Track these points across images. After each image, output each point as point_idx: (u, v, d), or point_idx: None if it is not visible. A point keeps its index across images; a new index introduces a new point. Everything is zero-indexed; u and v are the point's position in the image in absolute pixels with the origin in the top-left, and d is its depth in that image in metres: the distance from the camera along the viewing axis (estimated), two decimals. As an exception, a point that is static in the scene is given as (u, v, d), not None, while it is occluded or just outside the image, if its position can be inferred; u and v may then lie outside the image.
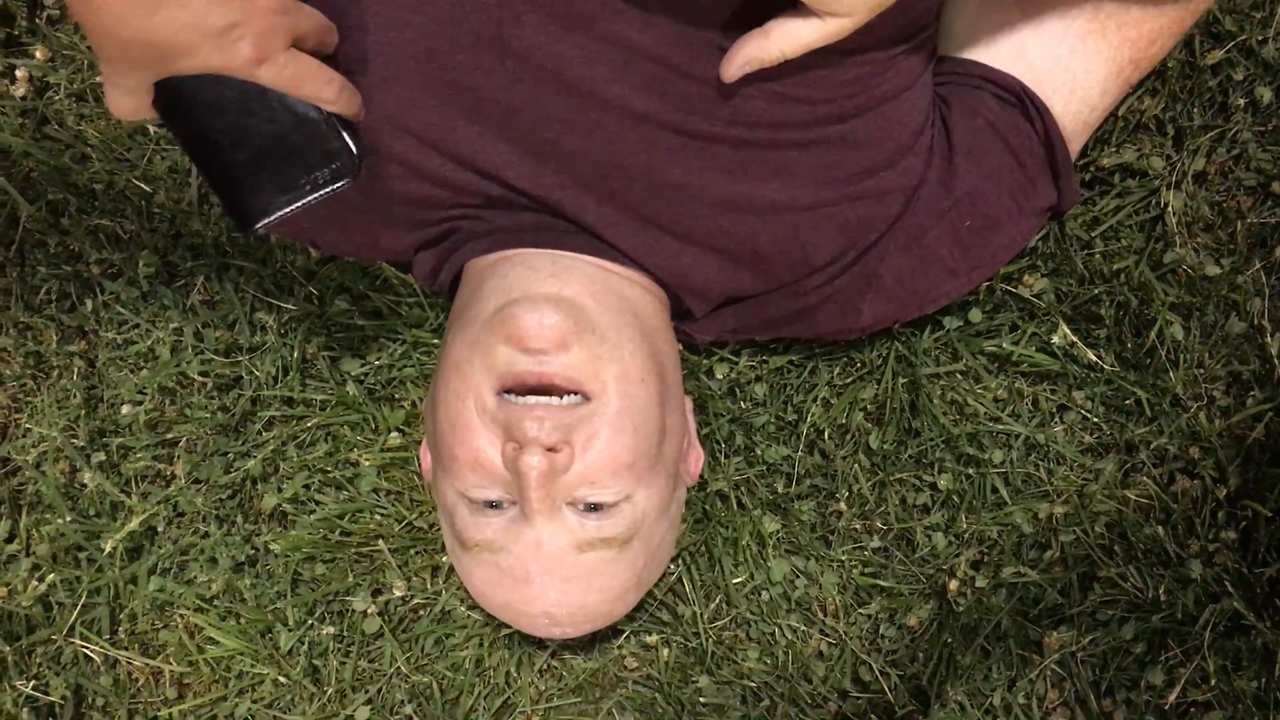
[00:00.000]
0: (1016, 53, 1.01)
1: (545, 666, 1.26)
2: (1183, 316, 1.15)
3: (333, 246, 1.10)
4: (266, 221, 0.82)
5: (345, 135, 0.82)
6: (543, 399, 0.91)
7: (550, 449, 0.89)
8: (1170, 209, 1.15)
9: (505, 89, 0.90)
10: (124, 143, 1.27)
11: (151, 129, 1.26)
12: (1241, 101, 1.14)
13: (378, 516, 1.25)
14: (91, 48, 0.74)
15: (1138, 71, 1.03)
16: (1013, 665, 1.18)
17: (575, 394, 0.92)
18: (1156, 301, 1.14)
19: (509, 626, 1.22)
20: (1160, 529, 1.16)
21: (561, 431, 0.90)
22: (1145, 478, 1.18)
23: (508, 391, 0.92)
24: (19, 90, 1.26)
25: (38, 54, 1.25)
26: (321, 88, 0.79)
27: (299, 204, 0.82)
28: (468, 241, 1.02)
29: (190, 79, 0.75)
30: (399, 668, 1.25)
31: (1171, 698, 1.14)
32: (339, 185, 0.83)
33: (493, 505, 0.95)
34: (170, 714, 1.28)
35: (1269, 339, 1.14)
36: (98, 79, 1.25)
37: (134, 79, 0.75)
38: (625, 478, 0.93)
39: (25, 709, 1.26)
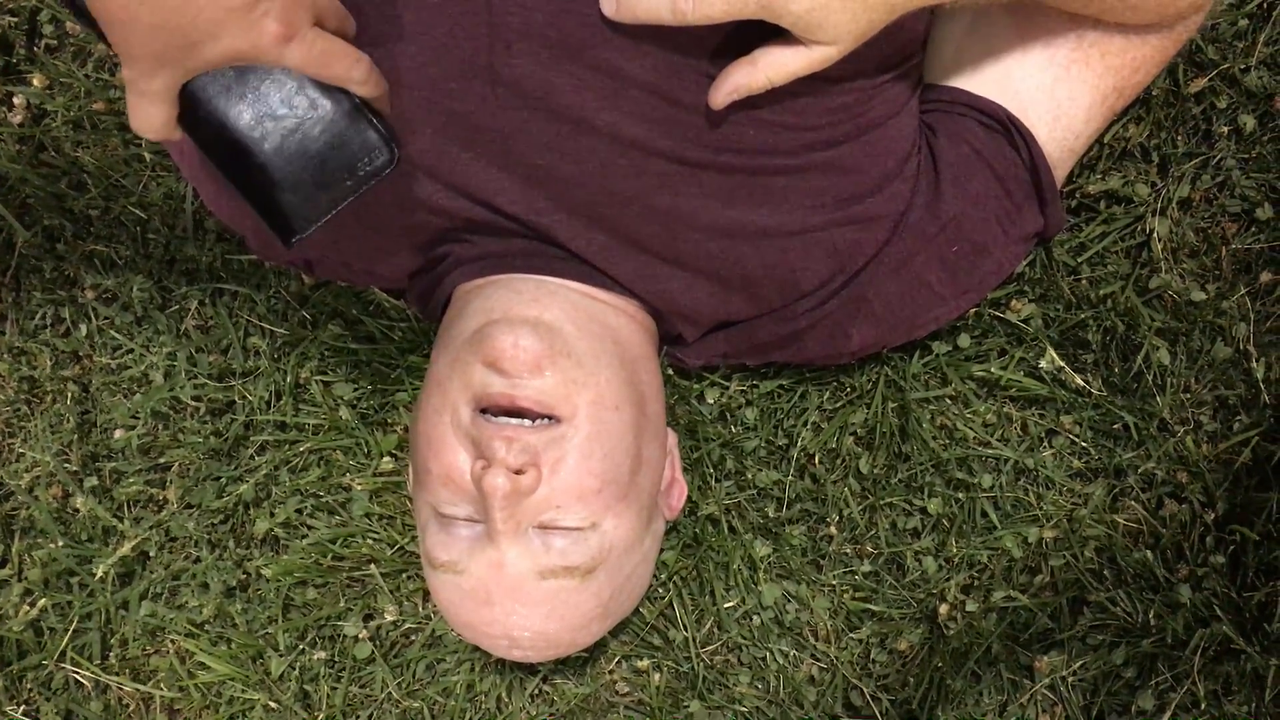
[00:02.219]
0: (1002, 81, 1.02)
1: (537, 692, 1.26)
2: (1169, 342, 1.16)
3: (328, 271, 1.11)
4: (314, 226, 0.79)
5: (377, 121, 0.79)
6: (515, 420, 0.92)
7: (517, 471, 0.90)
8: (1156, 235, 1.16)
9: (497, 116, 0.91)
10: (120, 169, 1.28)
11: (148, 155, 1.27)
12: (1225, 129, 1.15)
13: (370, 541, 1.25)
14: (114, 48, 0.72)
15: (1122, 99, 1.04)
16: (1003, 689, 1.18)
17: (548, 417, 0.93)
18: (1143, 327, 1.15)
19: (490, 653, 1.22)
20: (1149, 553, 1.16)
21: (529, 454, 0.90)
22: (1134, 502, 1.18)
23: (483, 411, 0.92)
24: (16, 117, 1.27)
25: (35, 81, 1.26)
26: (352, 66, 0.76)
27: (346, 201, 0.79)
28: (458, 267, 1.03)
29: (213, 82, 0.74)
30: (390, 693, 1.25)
31: (1162, 722, 1.14)
32: (382, 175, 0.80)
33: (460, 524, 0.95)
34: (160, 740, 1.28)
35: (1254, 364, 1.15)
36: (95, 106, 1.26)
37: (160, 80, 0.73)
38: (593, 504, 0.94)
39: (15, 735, 1.26)
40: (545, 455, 0.92)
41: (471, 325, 0.96)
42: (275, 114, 0.77)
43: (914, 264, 1.02)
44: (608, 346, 0.98)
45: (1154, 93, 1.15)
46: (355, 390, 1.25)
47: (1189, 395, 1.17)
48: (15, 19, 1.27)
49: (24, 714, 1.27)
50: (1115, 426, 1.19)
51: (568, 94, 0.89)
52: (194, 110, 0.76)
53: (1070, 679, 1.17)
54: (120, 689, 1.29)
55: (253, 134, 0.77)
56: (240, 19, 0.70)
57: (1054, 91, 1.02)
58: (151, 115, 0.75)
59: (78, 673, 1.28)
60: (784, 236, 0.98)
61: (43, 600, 1.28)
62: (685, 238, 0.97)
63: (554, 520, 0.93)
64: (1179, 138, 1.16)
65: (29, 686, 1.29)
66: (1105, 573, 1.18)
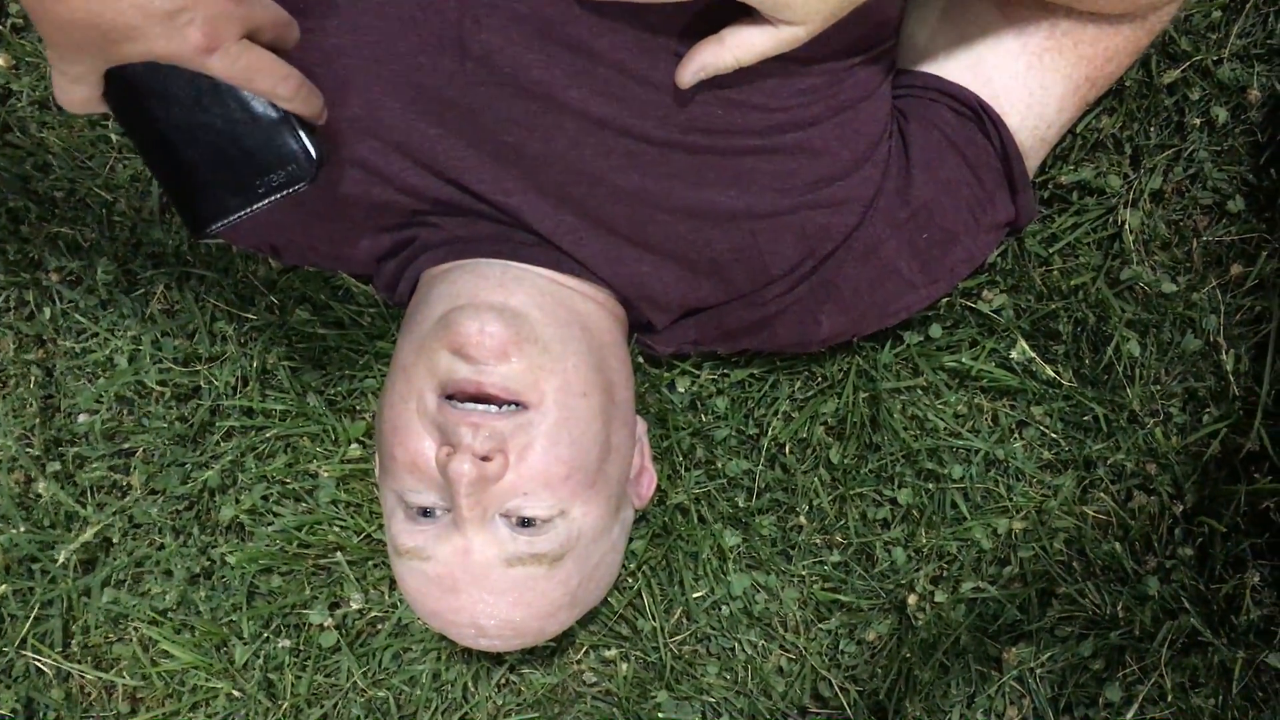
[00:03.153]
0: (974, 68, 1.02)
1: (503, 681, 1.25)
2: (1140, 333, 1.16)
3: (294, 256, 1.10)
4: (218, 226, 0.78)
5: (303, 136, 0.78)
6: (481, 406, 0.91)
7: (483, 457, 0.89)
8: (1127, 227, 1.16)
9: (466, 92, 0.90)
10: (86, 150, 1.26)
11: (114, 137, 1.26)
12: (1198, 121, 1.15)
13: (336, 528, 1.24)
14: (37, 29, 0.71)
15: (1094, 89, 1.04)
16: (971, 681, 1.18)
17: (514, 404, 0.92)
18: (1114, 318, 1.15)
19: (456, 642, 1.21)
20: (1118, 545, 1.16)
21: (495, 440, 0.89)
22: (1103, 494, 1.18)
23: (449, 397, 0.91)
24: (-19, 97, 1.25)
25: (1, 61, 1.25)
26: (277, 83, 0.75)
27: (252, 208, 0.78)
28: (425, 251, 1.02)
29: (142, 71, 0.72)
30: (355, 682, 1.24)
31: (1129, 715, 1.14)
32: (294, 189, 0.79)
33: (426, 513, 0.94)
34: (121, 728, 1.26)
35: (1224, 356, 1.15)
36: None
37: (80, 65, 0.72)
38: (560, 491, 0.93)
39: (-27, 722, 1.24)
40: (512, 441, 0.91)
41: (437, 311, 0.95)
42: (198, 112, 0.75)
43: (884, 250, 1.02)
44: (575, 333, 0.97)
45: (1127, 84, 1.15)
46: (323, 376, 1.24)
47: (1159, 387, 1.17)
48: (-19, -3, 1.26)
49: (-17, 702, 1.25)
50: (1085, 418, 1.18)
51: (536, 70, 0.89)
52: (120, 90, 0.74)
53: (1038, 670, 1.17)
54: (82, 677, 1.27)
55: (175, 126, 0.76)
56: (162, 25, 0.69)
57: (1026, 79, 1.01)
58: (72, 92, 0.74)
59: (39, 660, 1.26)
60: (752, 219, 0.97)
61: (3, 586, 1.26)
62: (653, 219, 0.96)
63: (520, 507, 0.92)
64: (1152, 129, 1.16)
65: (-12, 674, 1.27)
66: (1074, 564, 1.18)
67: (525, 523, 0.93)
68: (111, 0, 0.67)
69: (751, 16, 0.83)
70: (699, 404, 1.22)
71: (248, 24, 0.72)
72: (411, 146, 0.94)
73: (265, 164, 0.78)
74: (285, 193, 0.79)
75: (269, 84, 0.75)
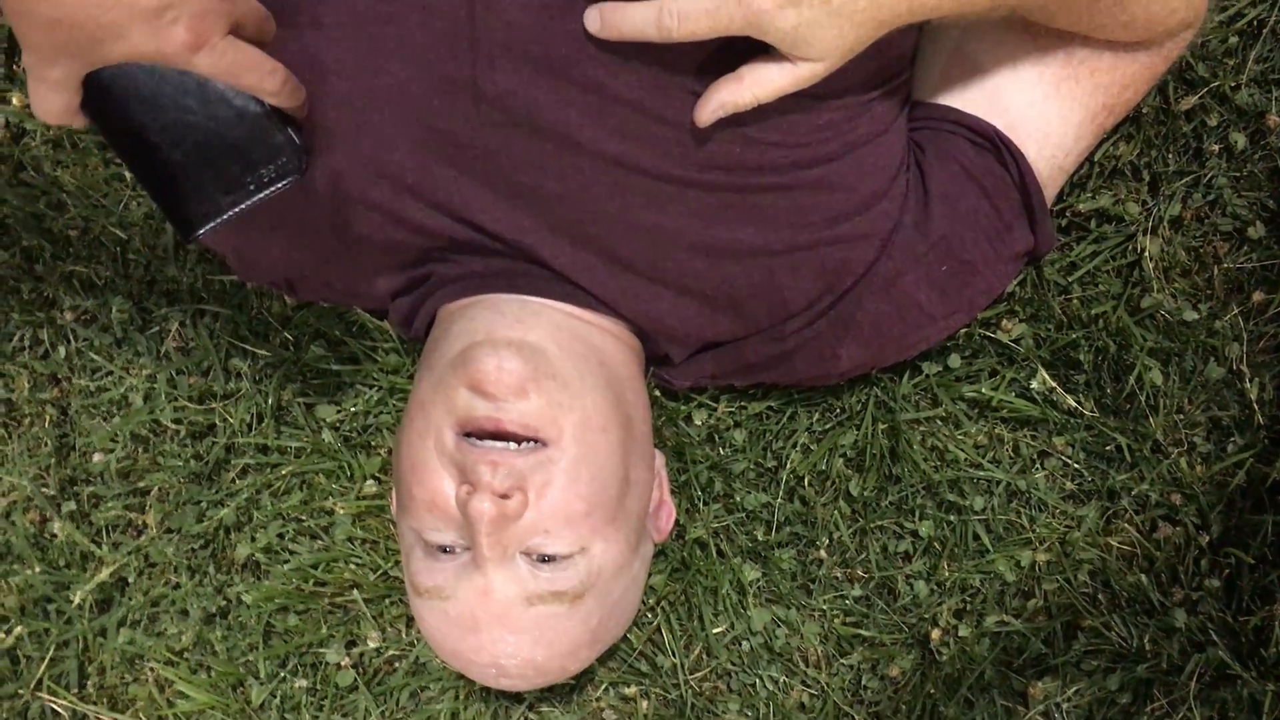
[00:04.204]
0: (991, 98, 1.01)
1: (522, 719, 1.23)
2: (1161, 362, 1.15)
3: (309, 292, 1.10)
4: (211, 225, 0.77)
5: (289, 130, 0.77)
6: (499, 444, 0.90)
7: (502, 495, 0.88)
8: (1147, 254, 1.15)
9: (480, 133, 0.90)
10: (100, 189, 1.26)
11: (129, 175, 1.26)
12: (1216, 147, 1.14)
13: (352, 566, 1.23)
14: (15, 33, 0.69)
15: (1111, 117, 1.03)
16: (997, 716, 1.16)
17: (533, 440, 0.91)
18: (1135, 347, 1.14)
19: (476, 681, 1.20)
20: (1144, 577, 1.15)
21: (515, 478, 0.89)
22: (1127, 525, 1.17)
23: (468, 435, 0.91)
24: (-6, 137, 1.25)
25: (15, 100, 1.25)
26: (264, 78, 0.74)
27: (244, 204, 0.77)
28: (441, 287, 1.01)
29: (121, 74, 0.70)
30: (373, 721, 1.23)
31: (1158, 749, 1.12)
32: (285, 183, 0.78)
33: (445, 550, 0.93)
34: (138, 770, 1.26)
35: (1248, 384, 1.13)
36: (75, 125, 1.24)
37: (60, 69, 0.70)
38: (580, 528, 0.92)
39: (-11, 765, 1.23)
40: (532, 479, 0.90)
41: (455, 347, 0.94)
42: (183, 111, 0.74)
43: (903, 283, 1.01)
44: (593, 367, 0.96)
45: (1144, 110, 1.14)
46: (338, 412, 1.24)
47: (1182, 416, 1.16)
48: (-6, 38, 1.26)
49: (-1, 744, 1.25)
50: (1108, 448, 1.17)
51: (551, 111, 0.88)
52: (99, 98, 0.72)
53: (1065, 705, 1.15)
54: (98, 718, 1.26)
55: (158, 129, 0.74)
56: (147, 24, 0.67)
57: (1043, 109, 1.01)
58: (50, 101, 0.72)
59: (55, 702, 1.25)
60: (771, 255, 0.96)
61: (19, 628, 1.25)
62: (670, 256, 0.96)
63: (541, 545, 0.91)
64: (1170, 156, 1.15)
65: (4, 716, 1.26)
66: (1099, 597, 1.16)
67: (546, 560, 0.92)
68: (95, 0, 0.65)
69: (769, 54, 0.83)
70: (716, 437, 1.21)
71: (231, 20, 0.71)
72: (425, 188, 0.93)
73: (255, 159, 0.77)
74: (276, 187, 0.78)
75: (255, 79, 0.74)
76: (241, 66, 0.72)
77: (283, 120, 0.77)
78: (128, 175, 1.26)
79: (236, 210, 0.77)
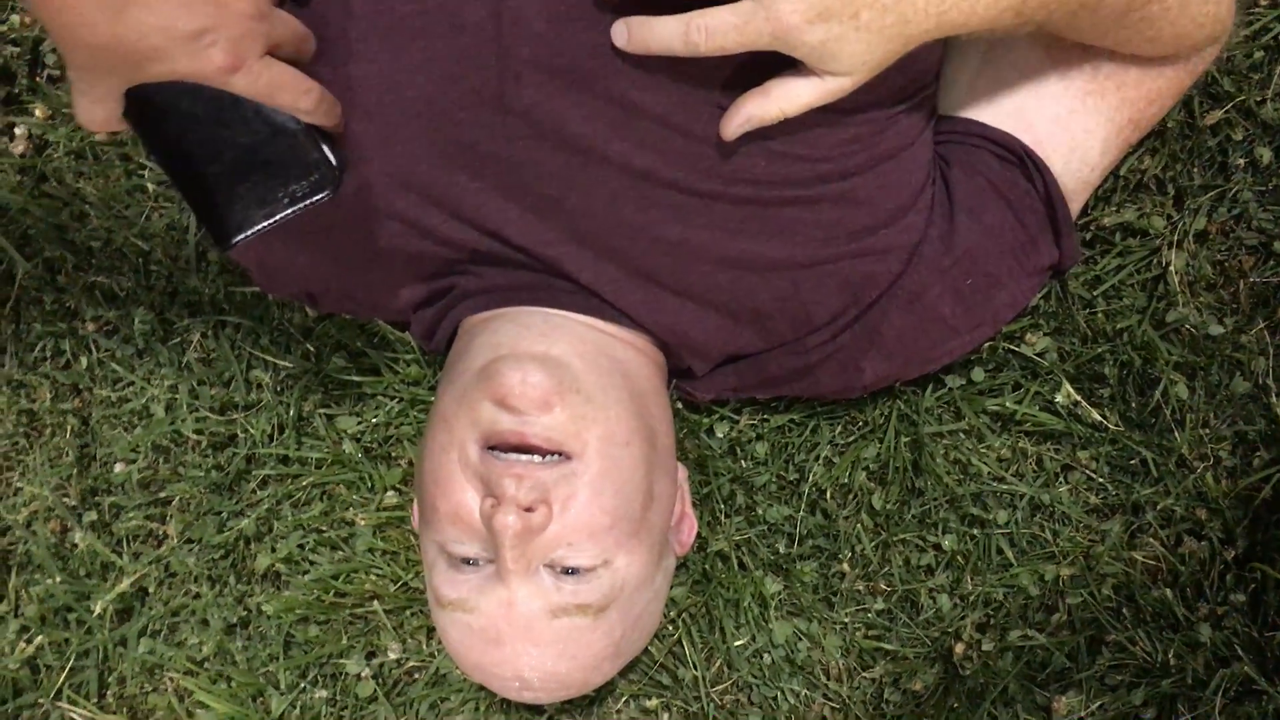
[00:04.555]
0: (1016, 112, 1.01)
1: (542, 732, 1.23)
2: (1187, 376, 1.14)
3: (331, 304, 1.10)
4: (243, 236, 0.79)
5: (324, 147, 0.79)
6: (523, 457, 0.90)
7: (527, 508, 0.88)
8: (1172, 268, 1.14)
9: (506, 145, 0.90)
10: (122, 200, 1.27)
11: (151, 186, 1.26)
12: (1241, 161, 1.14)
13: (373, 577, 1.23)
14: (58, 49, 0.71)
15: (1137, 131, 1.03)
16: (1020, 731, 1.16)
17: (557, 454, 0.91)
18: (1160, 361, 1.13)
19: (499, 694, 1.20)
20: (1168, 591, 1.14)
21: (539, 491, 0.89)
22: (1152, 539, 1.16)
23: (492, 448, 0.91)
24: (18, 148, 1.26)
25: (38, 112, 1.26)
26: (299, 97, 0.76)
27: (277, 218, 0.79)
28: (464, 300, 1.01)
29: (162, 87, 0.72)
30: (393, 733, 1.23)
31: (1183, 765, 1.11)
32: (318, 198, 0.79)
33: (469, 562, 0.93)
34: (158, 781, 1.26)
35: (1274, 399, 1.13)
36: (96, 136, 1.25)
37: (102, 86, 0.72)
38: (604, 541, 0.91)
39: (10, 775, 1.24)
40: (555, 492, 0.90)
41: (478, 361, 0.94)
42: (221, 126, 0.76)
43: (927, 297, 1.01)
44: (616, 381, 0.96)
45: (1169, 125, 1.13)
46: (359, 424, 1.24)
47: (1208, 430, 1.15)
48: (18, 49, 1.26)
49: (19, 753, 1.25)
50: (1133, 462, 1.17)
51: (578, 124, 0.88)
52: (141, 108, 0.74)
53: (1088, 720, 1.15)
54: (118, 728, 1.26)
55: (197, 140, 0.76)
56: (186, 47, 0.69)
57: (1069, 123, 1.00)
58: (93, 112, 0.74)
59: (74, 711, 1.25)
60: (795, 268, 0.96)
61: (39, 637, 1.26)
62: (695, 269, 0.96)
63: (565, 558, 0.91)
64: (1195, 170, 1.15)
65: (24, 726, 1.26)
66: (1124, 611, 1.16)
67: (569, 573, 0.92)
68: (136, 23, 0.67)
69: (796, 68, 0.83)
70: (738, 449, 1.21)
71: (269, 41, 0.73)
72: (450, 200, 0.93)
73: (288, 175, 0.79)
74: (309, 201, 0.80)
75: (291, 98, 0.75)
76: (277, 87, 0.74)
77: (320, 137, 0.79)
78: (150, 187, 1.27)
79: (270, 223, 0.79)
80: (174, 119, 0.75)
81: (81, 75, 0.72)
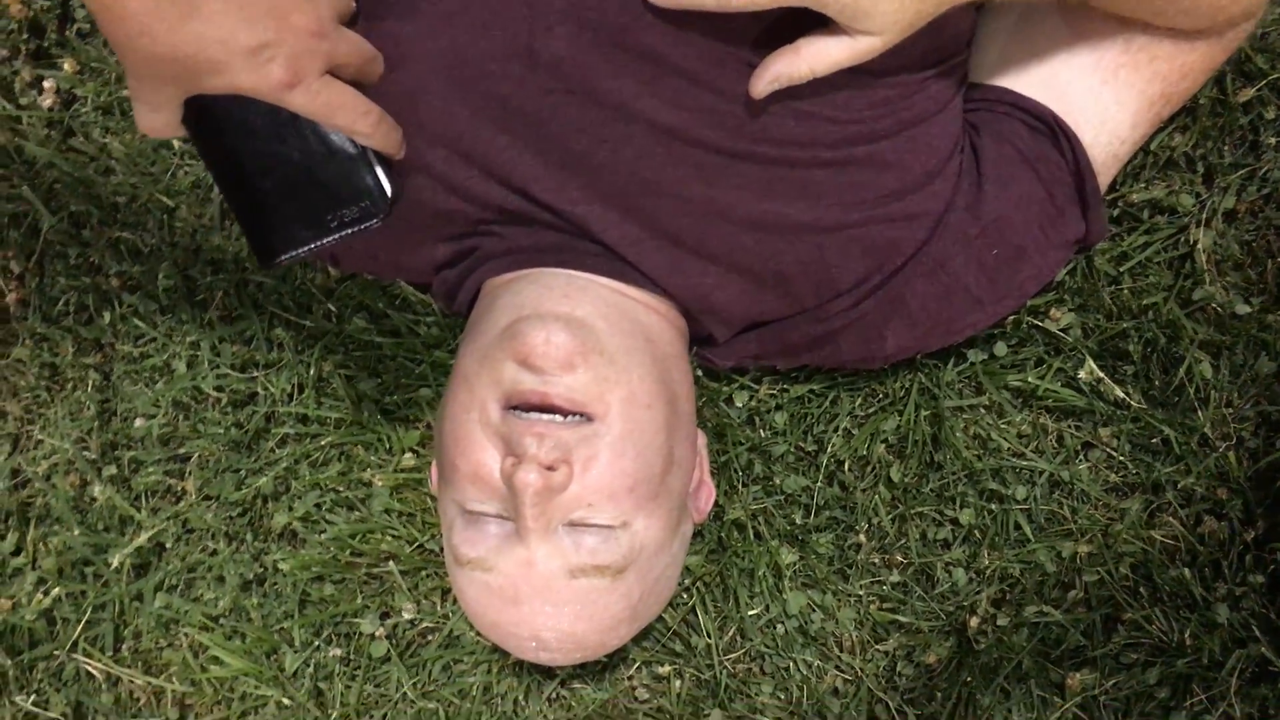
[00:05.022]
0: (1048, 82, 1.00)
1: (554, 695, 1.23)
2: (1212, 355, 1.14)
3: (354, 265, 1.10)
4: (286, 257, 0.78)
5: (379, 172, 0.78)
6: (545, 416, 0.90)
7: (548, 467, 0.88)
8: (1200, 246, 1.13)
9: (535, 99, 0.90)
10: (148, 157, 1.27)
11: (176, 143, 1.26)
12: (1273, 140, 1.13)
13: (389, 538, 1.24)
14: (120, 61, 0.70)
15: (1169, 106, 1.02)
16: (1033, 707, 1.15)
17: (579, 415, 0.91)
18: (1185, 339, 1.13)
19: (514, 655, 1.20)
20: (1186, 571, 1.13)
21: (561, 450, 0.88)
22: (1171, 518, 1.16)
23: (513, 408, 0.90)
24: (46, 101, 1.26)
25: (66, 66, 1.26)
26: (356, 119, 0.75)
27: (323, 241, 0.78)
28: (488, 260, 1.01)
29: (222, 100, 0.72)
30: (405, 693, 1.23)
31: (1196, 746, 1.11)
32: (367, 226, 0.78)
33: (488, 520, 0.93)
34: (171, 734, 1.26)
35: (1299, 379, 1.12)
36: (124, 92, 1.25)
37: (161, 95, 0.72)
38: (624, 503, 0.91)
39: (24, 725, 1.24)
40: (577, 453, 0.89)
41: (501, 321, 0.94)
42: (276, 142, 0.75)
43: (952, 265, 1.00)
44: (639, 344, 0.96)
45: (1201, 101, 1.12)
46: (378, 385, 1.24)
47: (1231, 410, 1.14)
48: (48, 2, 1.27)
49: (34, 704, 1.26)
50: (1154, 441, 1.16)
51: (607, 79, 0.88)
52: (198, 117, 0.74)
53: (1102, 698, 1.14)
54: (131, 682, 1.27)
55: (252, 154, 0.76)
56: (245, 61, 0.69)
57: (1100, 95, 1.00)
58: (151, 119, 0.74)
59: (89, 664, 1.26)
60: (821, 232, 0.96)
61: (56, 589, 1.26)
62: (719, 231, 0.95)
63: (585, 519, 0.91)
64: (1225, 148, 1.14)
65: (39, 676, 1.27)
66: (1140, 590, 1.15)
67: (589, 533, 0.92)
68: (196, 35, 0.66)
69: (828, 27, 0.82)
70: (757, 419, 1.21)
71: (331, 60, 0.72)
72: (479, 154, 0.93)
73: (339, 198, 0.77)
74: (357, 229, 0.78)
75: (348, 120, 0.74)
76: (334, 107, 0.73)
77: (377, 161, 0.77)
78: (175, 144, 1.27)
79: (315, 245, 0.78)
80: (231, 130, 0.74)
81: (140, 83, 0.71)
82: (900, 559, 1.19)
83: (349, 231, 0.78)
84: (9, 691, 1.26)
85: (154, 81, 0.71)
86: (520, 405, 0.90)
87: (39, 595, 1.26)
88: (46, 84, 1.26)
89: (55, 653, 1.27)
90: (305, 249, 0.78)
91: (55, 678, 1.27)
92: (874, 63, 0.84)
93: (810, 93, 0.87)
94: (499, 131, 0.91)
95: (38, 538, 1.28)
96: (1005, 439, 1.17)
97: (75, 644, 1.27)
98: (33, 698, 1.26)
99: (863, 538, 1.19)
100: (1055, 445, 1.18)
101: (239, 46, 0.68)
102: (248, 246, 0.78)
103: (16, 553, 1.28)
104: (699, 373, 1.19)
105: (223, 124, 0.74)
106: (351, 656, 1.24)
